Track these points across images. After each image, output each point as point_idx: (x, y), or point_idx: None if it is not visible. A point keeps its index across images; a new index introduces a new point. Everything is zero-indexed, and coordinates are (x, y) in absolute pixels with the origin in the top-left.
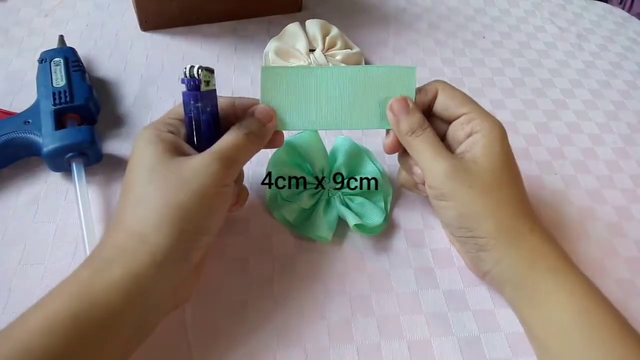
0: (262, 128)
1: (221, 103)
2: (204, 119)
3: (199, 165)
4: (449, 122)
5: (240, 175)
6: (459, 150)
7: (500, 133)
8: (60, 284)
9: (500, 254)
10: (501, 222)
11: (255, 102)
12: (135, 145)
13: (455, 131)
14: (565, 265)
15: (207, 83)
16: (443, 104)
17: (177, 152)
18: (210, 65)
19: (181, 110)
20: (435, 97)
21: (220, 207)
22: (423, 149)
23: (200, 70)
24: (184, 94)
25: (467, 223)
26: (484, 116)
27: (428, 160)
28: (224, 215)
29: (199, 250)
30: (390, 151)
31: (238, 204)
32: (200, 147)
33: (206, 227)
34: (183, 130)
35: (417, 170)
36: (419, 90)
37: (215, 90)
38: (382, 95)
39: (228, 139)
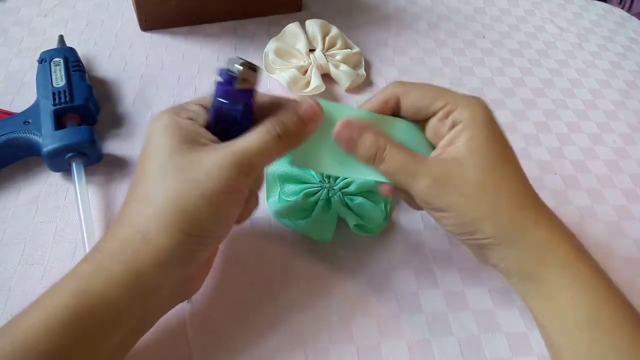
0: (302, 129)
1: (258, 100)
2: (232, 116)
3: (213, 166)
4: (424, 121)
5: (259, 179)
6: (441, 144)
7: (484, 118)
8: (62, 278)
9: (504, 252)
10: (501, 222)
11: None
12: (150, 130)
13: (435, 128)
14: (576, 257)
15: (245, 81)
16: (412, 108)
17: (194, 142)
18: (211, 65)
19: (208, 100)
20: (397, 104)
21: (230, 213)
22: (394, 171)
23: (240, 66)
24: (216, 84)
25: (466, 228)
26: (463, 104)
27: (406, 182)
28: (233, 221)
29: (204, 252)
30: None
31: (244, 216)
32: (222, 139)
33: (212, 232)
34: (205, 116)
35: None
36: (374, 102)
37: (253, 90)
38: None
39: (253, 140)
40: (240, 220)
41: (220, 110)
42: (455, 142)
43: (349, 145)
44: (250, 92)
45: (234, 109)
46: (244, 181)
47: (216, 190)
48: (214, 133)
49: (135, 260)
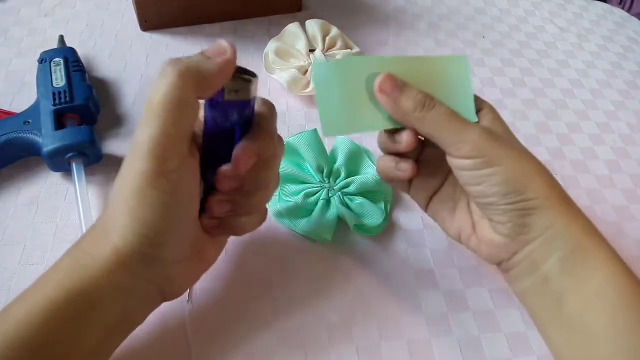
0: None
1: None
2: (218, 133)
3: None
4: None
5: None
6: None
7: (497, 114)
8: (46, 272)
9: (553, 217)
10: (549, 183)
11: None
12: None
13: None
14: (602, 236)
15: (236, 92)
16: None
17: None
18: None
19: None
20: None
21: (178, 200)
22: (445, 119)
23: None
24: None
25: (516, 185)
26: (480, 99)
27: (457, 129)
28: (188, 218)
29: (168, 253)
30: (411, 147)
31: (253, 225)
32: (209, 164)
33: (164, 231)
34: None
35: (403, 165)
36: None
37: (248, 101)
38: (435, 89)
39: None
40: (248, 228)
41: (209, 124)
42: (482, 121)
43: (393, 91)
44: (243, 104)
45: (225, 123)
46: (160, 154)
47: (137, 179)
48: (207, 150)
49: (102, 257)
